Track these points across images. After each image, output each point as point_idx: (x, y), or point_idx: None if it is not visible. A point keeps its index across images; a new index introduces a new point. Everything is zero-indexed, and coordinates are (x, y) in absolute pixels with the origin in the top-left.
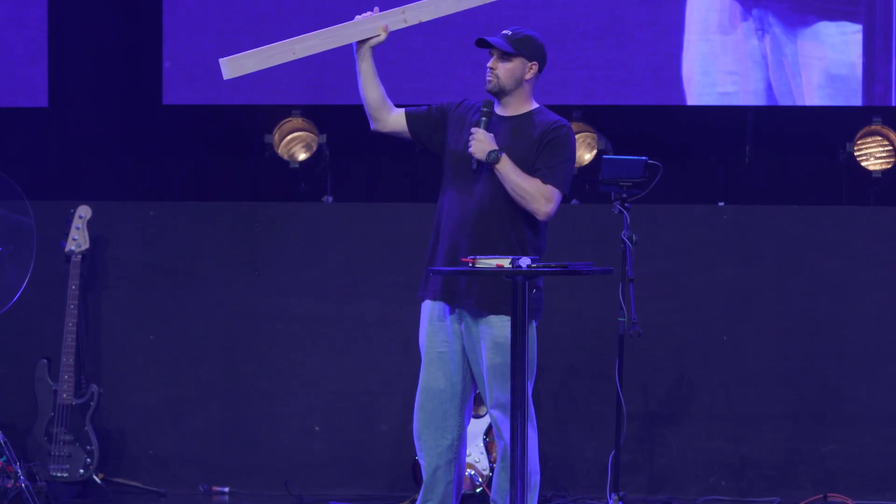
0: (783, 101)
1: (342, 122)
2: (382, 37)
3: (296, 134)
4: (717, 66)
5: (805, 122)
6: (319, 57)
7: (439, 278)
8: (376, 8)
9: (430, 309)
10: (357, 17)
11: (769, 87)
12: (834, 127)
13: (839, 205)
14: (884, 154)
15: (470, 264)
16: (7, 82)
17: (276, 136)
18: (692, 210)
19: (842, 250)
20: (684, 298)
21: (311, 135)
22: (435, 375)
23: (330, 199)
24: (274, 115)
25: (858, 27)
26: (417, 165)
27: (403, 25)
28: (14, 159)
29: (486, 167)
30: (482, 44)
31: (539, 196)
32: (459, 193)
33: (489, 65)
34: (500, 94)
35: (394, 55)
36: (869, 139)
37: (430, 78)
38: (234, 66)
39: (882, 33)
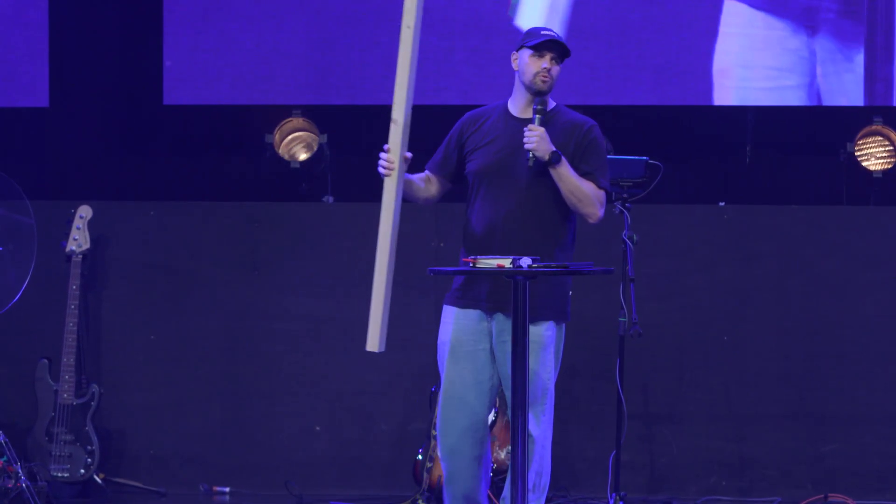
0: (828, 99)
1: (343, 122)
2: (407, 161)
3: (296, 134)
4: (758, 61)
5: (805, 122)
6: (320, 57)
7: (481, 289)
8: (386, 146)
9: (454, 314)
10: (380, 165)
11: (812, 85)
12: (834, 127)
13: (840, 205)
14: (884, 154)
15: (471, 264)
16: (8, 82)
17: (277, 136)
18: (693, 210)
19: (842, 250)
20: (685, 298)
21: (312, 135)
22: (462, 373)
23: (331, 199)
24: (274, 115)
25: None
26: (419, 165)
27: (401, 128)
28: (15, 159)
29: (541, 169)
30: (551, 46)
31: (596, 201)
32: (496, 200)
33: (546, 66)
34: (545, 94)
35: (394, 54)
36: (870, 139)
37: (430, 77)
38: (379, 342)
39: (883, 31)
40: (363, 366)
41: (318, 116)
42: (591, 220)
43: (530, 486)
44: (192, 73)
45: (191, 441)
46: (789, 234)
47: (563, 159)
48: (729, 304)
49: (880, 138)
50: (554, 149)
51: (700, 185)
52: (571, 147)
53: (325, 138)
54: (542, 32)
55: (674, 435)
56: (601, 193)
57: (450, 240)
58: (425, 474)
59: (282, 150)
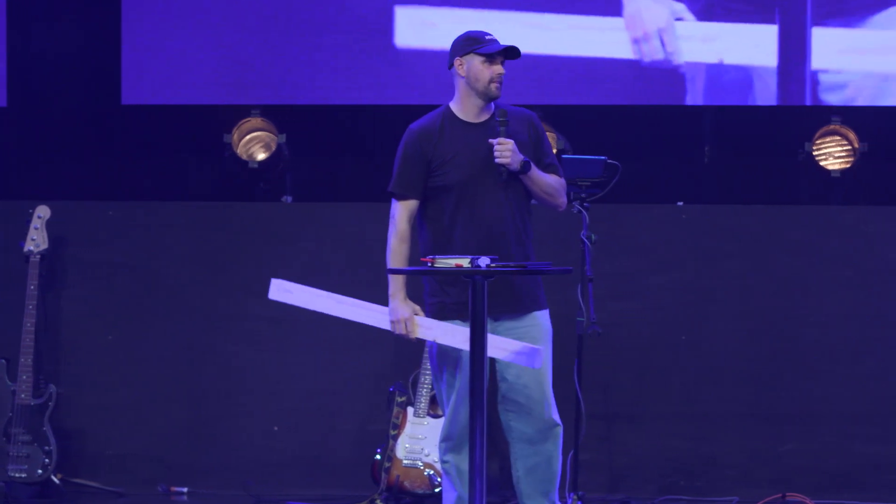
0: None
1: (301, 122)
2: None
3: (255, 134)
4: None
5: (763, 122)
6: (278, 57)
7: (465, 297)
8: (427, 339)
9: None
10: (407, 331)
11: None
12: (793, 127)
13: (799, 204)
14: (842, 154)
15: (429, 264)
16: None
17: (235, 136)
18: (651, 210)
19: (802, 250)
20: (644, 298)
21: (270, 134)
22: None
23: (289, 199)
24: (233, 114)
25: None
26: (377, 165)
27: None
28: None
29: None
30: (511, 54)
31: (562, 190)
32: (482, 206)
33: (501, 71)
34: (497, 98)
35: (353, 55)
36: (828, 139)
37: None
38: (278, 290)
39: (796, 31)
40: (323, 366)
41: (277, 116)
42: (560, 209)
43: (560, 478)
44: (151, 74)
45: (149, 441)
46: (748, 233)
47: (532, 164)
48: (688, 304)
49: (838, 138)
50: (523, 158)
51: (658, 184)
52: (530, 140)
53: (283, 138)
54: (488, 38)
55: (633, 434)
56: (563, 181)
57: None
58: (383, 474)
59: (240, 150)
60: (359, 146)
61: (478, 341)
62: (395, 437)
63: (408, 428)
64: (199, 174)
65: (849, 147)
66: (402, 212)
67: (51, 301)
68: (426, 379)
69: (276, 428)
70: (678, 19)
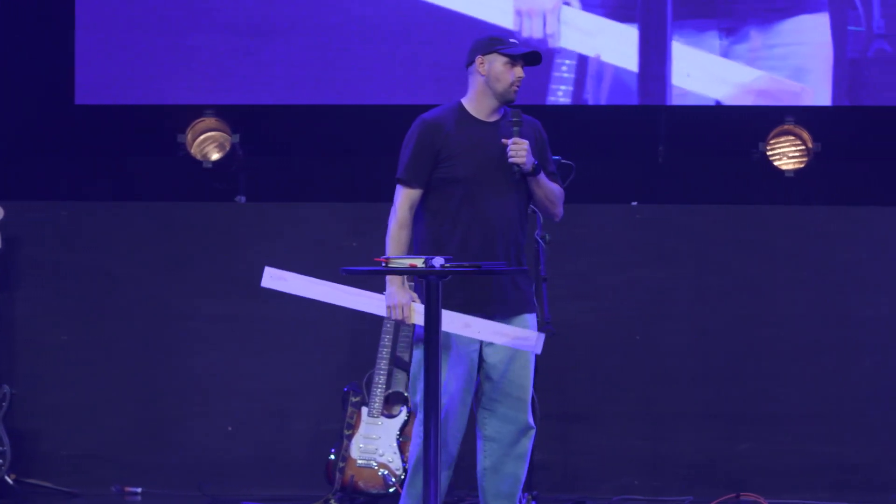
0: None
1: (255, 122)
2: None
3: (209, 134)
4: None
5: (718, 122)
6: (232, 57)
7: (459, 295)
8: (417, 316)
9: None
10: (403, 316)
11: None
12: (746, 126)
13: (753, 204)
14: (796, 154)
15: (383, 264)
16: None
17: (189, 136)
18: (606, 209)
19: (756, 249)
20: (599, 298)
21: (224, 134)
22: (458, 381)
23: (243, 198)
24: (187, 114)
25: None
26: (331, 165)
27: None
28: None
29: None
30: (534, 59)
31: (562, 199)
32: (487, 206)
33: (521, 75)
34: (513, 102)
35: (306, 53)
36: (781, 139)
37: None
38: (271, 279)
39: (656, 29)
40: (277, 365)
41: (231, 116)
42: (557, 219)
43: (524, 482)
44: (105, 73)
45: (104, 441)
46: (703, 233)
47: (541, 168)
48: (643, 304)
49: (792, 138)
50: (535, 161)
51: (613, 184)
52: (536, 146)
53: (237, 138)
54: (512, 40)
55: (588, 434)
56: (563, 191)
57: (364, 239)
58: (338, 474)
59: (194, 150)
60: (313, 146)
61: (433, 341)
62: (350, 437)
63: (362, 428)
64: (153, 174)
65: (802, 147)
66: (404, 199)
67: (4, 301)
68: (380, 379)
69: (230, 428)
70: (565, 3)
